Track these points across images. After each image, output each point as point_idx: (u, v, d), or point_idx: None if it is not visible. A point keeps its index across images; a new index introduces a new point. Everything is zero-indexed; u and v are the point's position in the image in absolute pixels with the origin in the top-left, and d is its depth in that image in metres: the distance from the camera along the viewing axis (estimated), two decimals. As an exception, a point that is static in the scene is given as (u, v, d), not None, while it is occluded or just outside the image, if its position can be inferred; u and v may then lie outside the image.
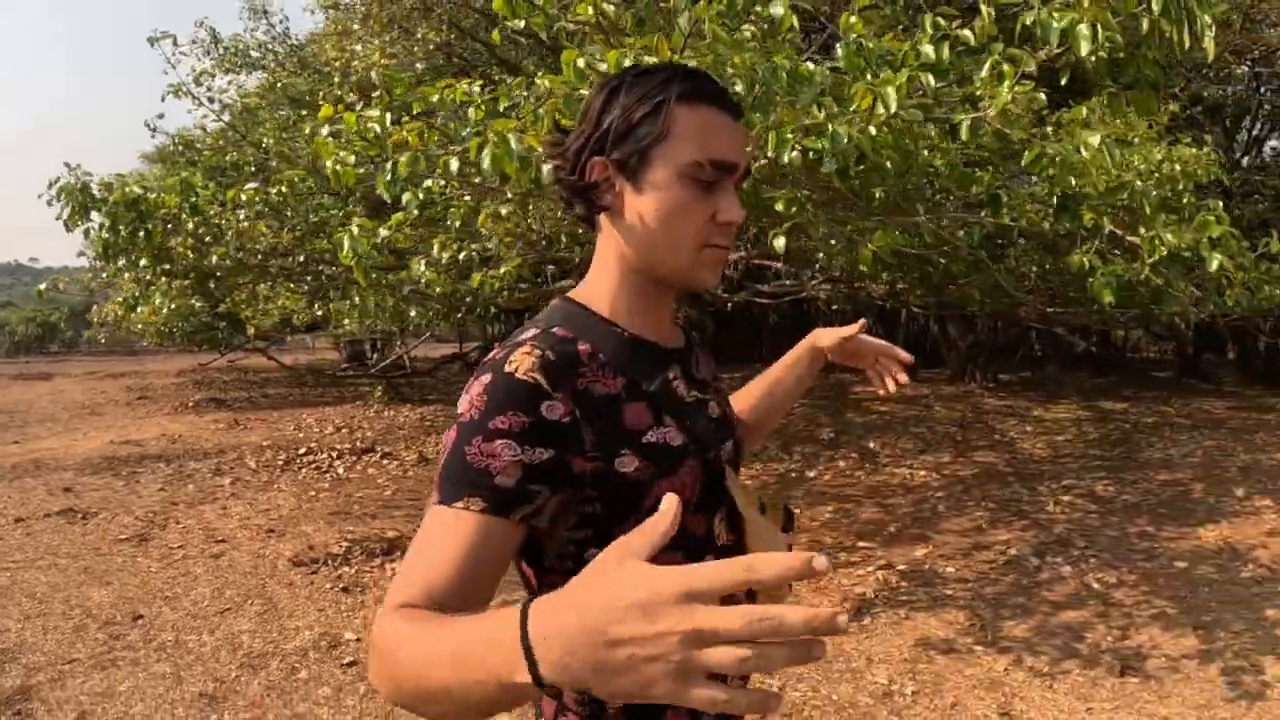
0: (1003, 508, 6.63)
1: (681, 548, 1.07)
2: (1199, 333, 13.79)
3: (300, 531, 6.21)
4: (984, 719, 3.41)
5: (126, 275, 6.36)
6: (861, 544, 5.73)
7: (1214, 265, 3.63)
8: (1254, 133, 13.70)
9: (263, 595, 4.91)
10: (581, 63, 2.94)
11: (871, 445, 8.87)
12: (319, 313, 9.15)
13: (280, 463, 8.72)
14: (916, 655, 4.00)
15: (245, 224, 5.44)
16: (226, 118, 8.79)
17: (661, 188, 1.05)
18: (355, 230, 3.99)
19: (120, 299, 9.48)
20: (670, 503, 0.68)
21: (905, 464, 8.08)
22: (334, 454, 9.00)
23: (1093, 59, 2.84)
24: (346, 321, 8.90)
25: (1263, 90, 12.43)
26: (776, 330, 17.15)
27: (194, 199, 5.38)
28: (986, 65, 3.14)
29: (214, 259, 5.45)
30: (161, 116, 15.37)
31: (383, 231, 4.25)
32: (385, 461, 8.69)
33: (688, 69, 1.09)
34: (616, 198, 1.09)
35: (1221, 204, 4.12)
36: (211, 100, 7.82)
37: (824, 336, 1.50)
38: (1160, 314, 5.96)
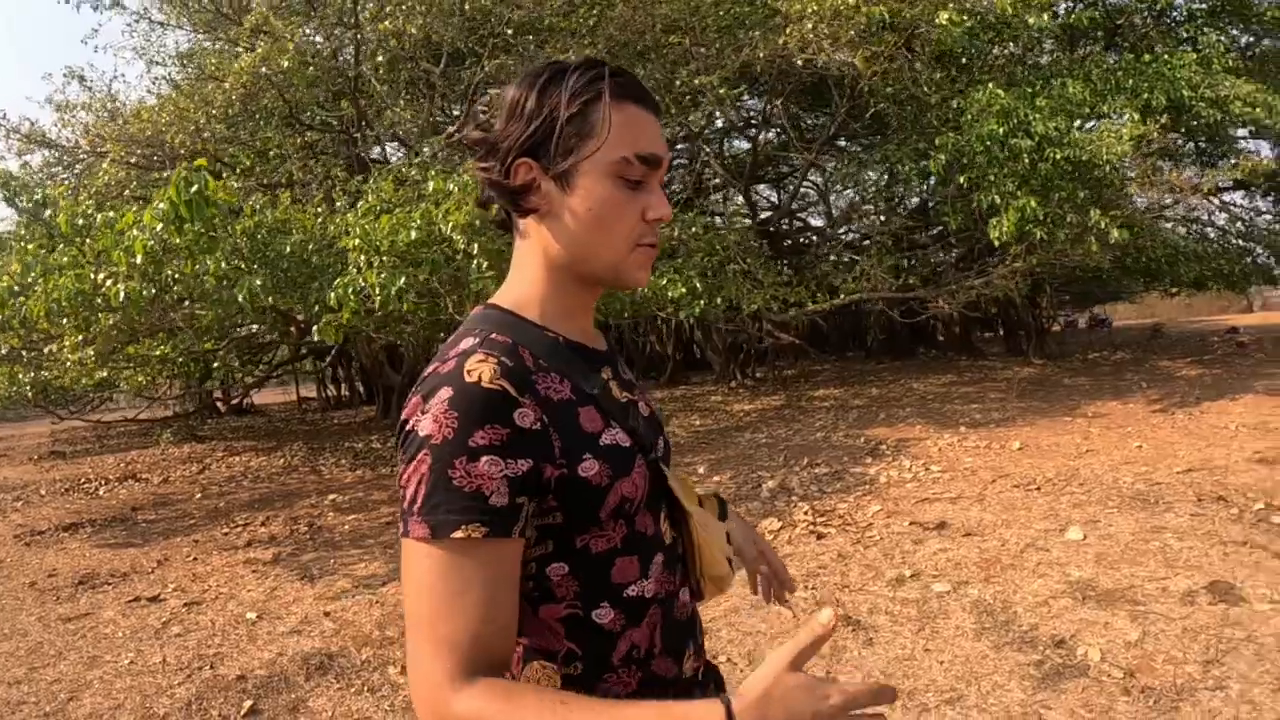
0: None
1: (637, 550, 1.29)
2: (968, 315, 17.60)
3: (33, 522, 10.54)
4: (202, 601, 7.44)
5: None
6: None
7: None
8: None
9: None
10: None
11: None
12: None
13: (63, 490, 13.16)
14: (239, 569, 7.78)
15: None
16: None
17: (592, 187, 1.23)
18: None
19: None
20: (827, 616, 1.03)
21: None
22: (103, 481, 13.42)
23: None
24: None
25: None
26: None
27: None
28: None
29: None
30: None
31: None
32: (132, 483, 13.06)
33: (612, 67, 1.27)
34: (544, 199, 1.26)
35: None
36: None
37: (735, 519, 1.78)
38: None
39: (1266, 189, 17.85)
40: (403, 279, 7.70)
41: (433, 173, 8.75)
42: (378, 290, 7.61)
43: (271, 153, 12.28)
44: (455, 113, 13.12)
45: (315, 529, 8.80)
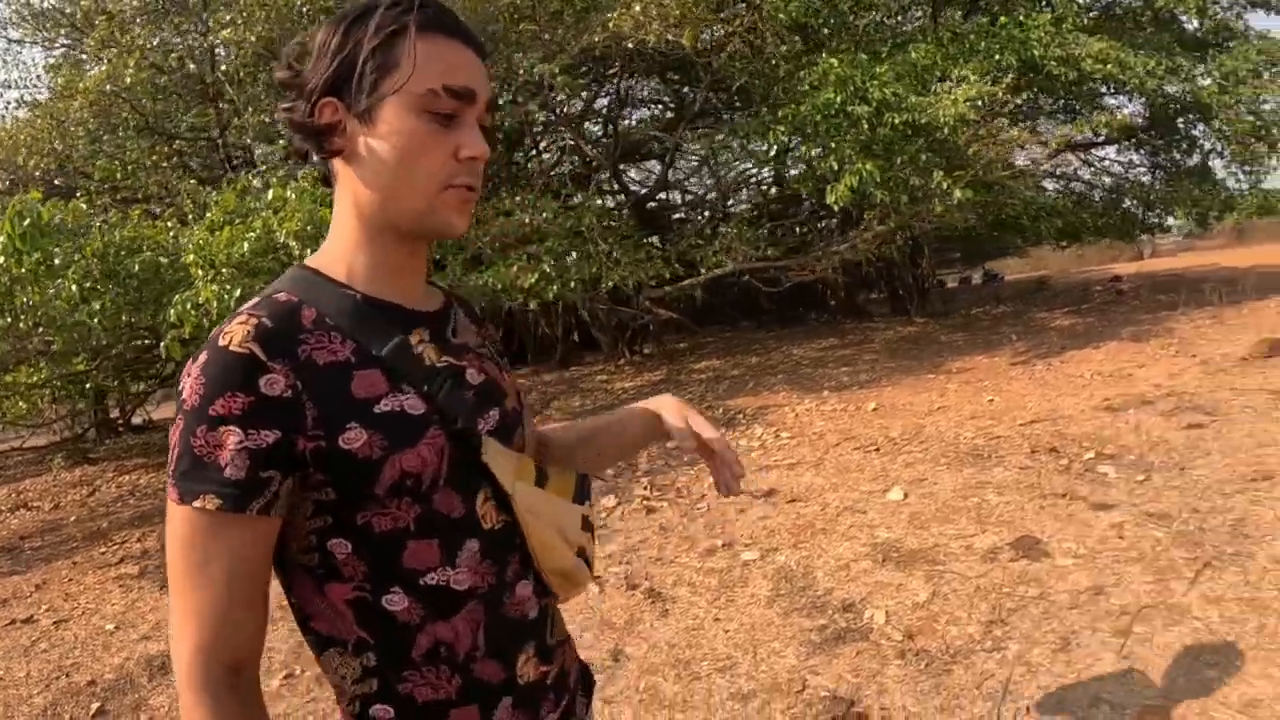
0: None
1: (435, 534, 1.18)
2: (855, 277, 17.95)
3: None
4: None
5: None
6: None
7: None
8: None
9: None
10: None
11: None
12: None
13: (-51, 522, 12.92)
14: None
15: None
16: None
17: (396, 122, 1.15)
18: None
19: None
20: None
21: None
22: (-10, 511, 13.19)
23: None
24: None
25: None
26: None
27: None
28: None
29: None
30: None
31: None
32: (24, 512, 12.81)
33: (422, 0, 1.18)
34: (349, 140, 1.19)
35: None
36: None
37: (667, 407, 1.57)
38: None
39: (1139, 142, 18.22)
40: (239, 290, 7.67)
41: (274, 180, 8.67)
42: (215, 304, 7.55)
43: (130, 166, 12.08)
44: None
45: (191, 542, 8.72)
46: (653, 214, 17.30)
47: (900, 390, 10.65)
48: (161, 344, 8.23)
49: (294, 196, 8.14)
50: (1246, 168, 15.37)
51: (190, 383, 1.07)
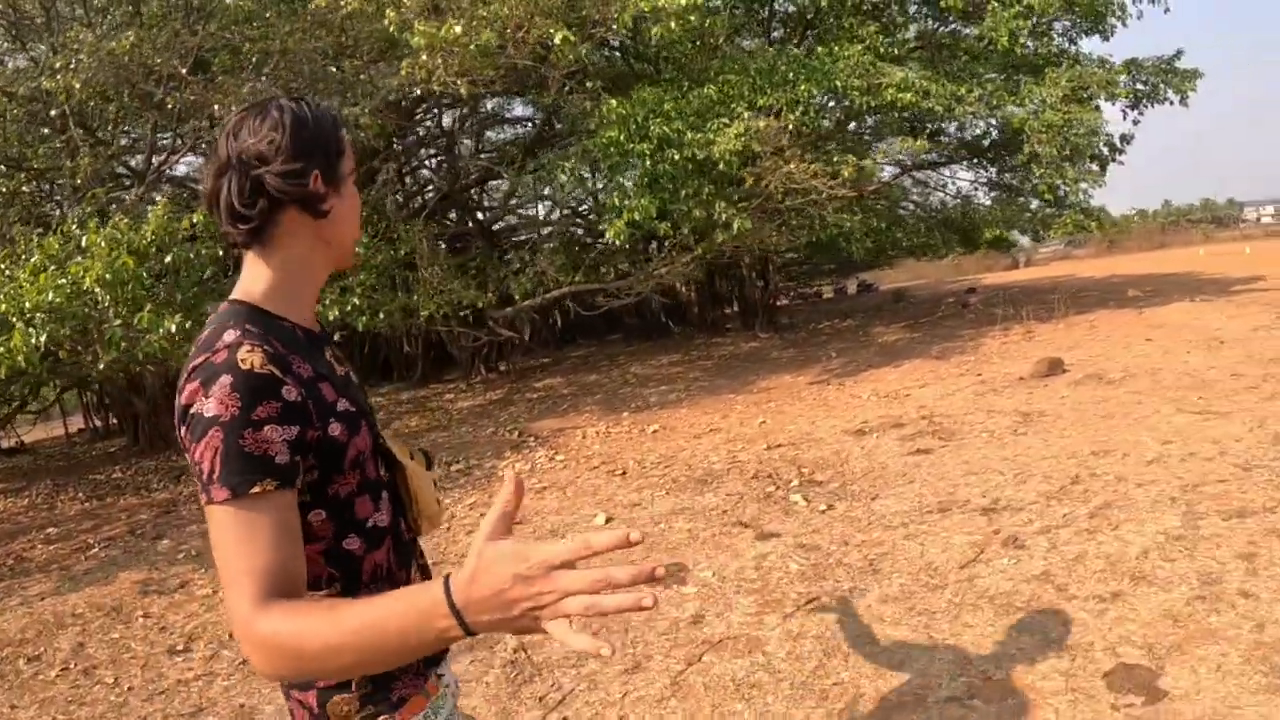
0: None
1: (368, 490, 1.63)
2: (709, 295, 18.85)
3: None
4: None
5: None
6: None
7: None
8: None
9: None
10: None
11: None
12: None
13: None
14: None
15: None
16: None
17: (351, 191, 1.67)
18: None
19: None
20: (510, 476, 1.19)
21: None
22: None
23: None
24: None
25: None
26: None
27: None
28: None
29: None
30: None
31: None
32: None
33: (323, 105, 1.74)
34: (330, 203, 1.60)
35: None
36: None
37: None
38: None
39: (978, 163, 19.01)
40: (45, 336, 8.22)
41: (92, 224, 9.20)
42: (21, 352, 8.10)
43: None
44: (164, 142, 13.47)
45: (20, 560, 9.16)
46: (499, 237, 18.05)
47: (693, 411, 11.35)
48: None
49: (104, 244, 8.70)
50: (1064, 187, 16.12)
51: (222, 399, 1.37)
